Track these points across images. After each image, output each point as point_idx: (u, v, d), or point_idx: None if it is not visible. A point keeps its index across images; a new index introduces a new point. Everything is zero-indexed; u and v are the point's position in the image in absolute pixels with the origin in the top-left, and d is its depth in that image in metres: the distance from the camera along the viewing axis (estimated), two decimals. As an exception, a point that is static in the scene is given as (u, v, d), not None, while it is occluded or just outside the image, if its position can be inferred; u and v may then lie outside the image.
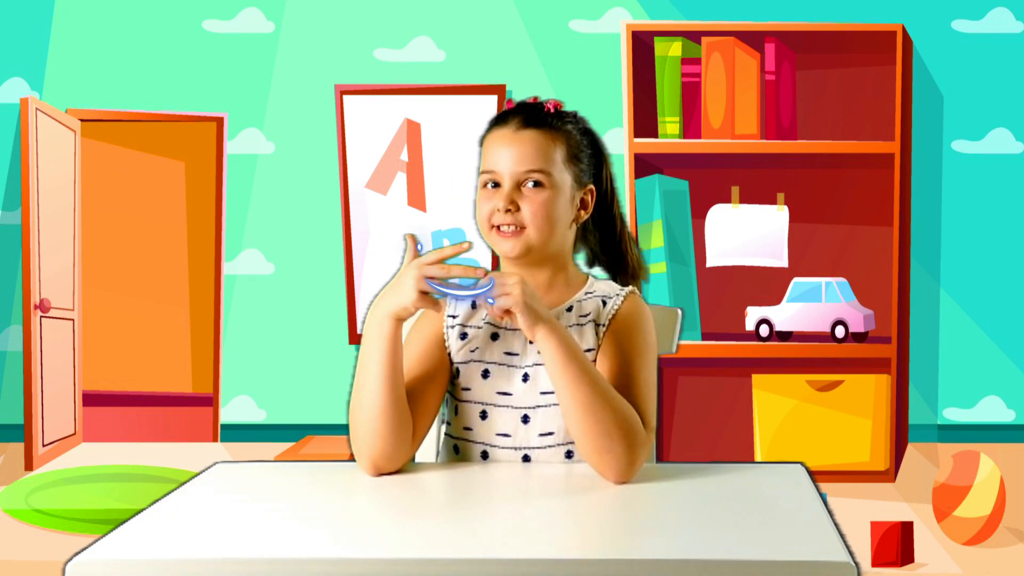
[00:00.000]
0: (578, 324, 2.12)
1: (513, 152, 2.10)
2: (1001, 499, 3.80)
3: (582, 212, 2.17)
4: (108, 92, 5.38)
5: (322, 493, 1.91)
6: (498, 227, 2.10)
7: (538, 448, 2.09)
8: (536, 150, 2.10)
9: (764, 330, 4.69)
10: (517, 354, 2.11)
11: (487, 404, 2.11)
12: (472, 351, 2.13)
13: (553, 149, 2.12)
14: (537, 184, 2.09)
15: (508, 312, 1.96)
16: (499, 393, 2.11)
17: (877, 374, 4.63)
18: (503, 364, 2.11)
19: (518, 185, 2.09)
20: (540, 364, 2.09)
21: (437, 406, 2.11)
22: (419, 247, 2.02)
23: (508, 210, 2.08)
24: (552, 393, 2.08)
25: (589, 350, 2.10)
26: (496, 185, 2.11)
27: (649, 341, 2.12)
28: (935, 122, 5.16)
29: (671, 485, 1.90)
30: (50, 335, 5.15)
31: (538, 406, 2.09)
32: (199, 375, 6.35)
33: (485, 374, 2.11)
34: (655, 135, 4.70)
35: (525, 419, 2.10)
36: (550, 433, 2.09)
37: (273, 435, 5.33)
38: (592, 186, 2.19)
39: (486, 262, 5.20)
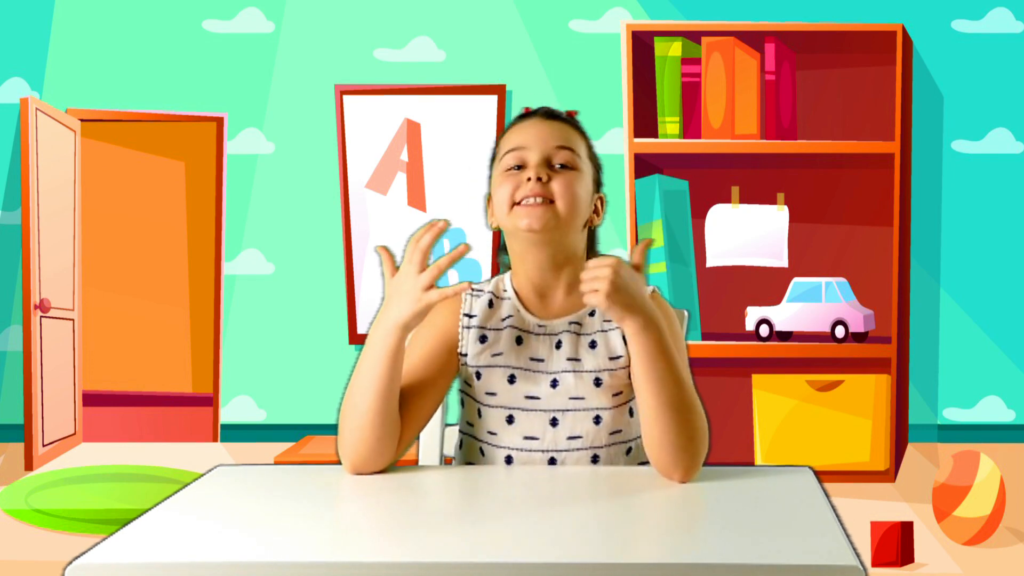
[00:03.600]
0: (602, 330, 2.09)
1: (543, 130, 2.10)
2: (1001, 499, 3.80)
3: (595, 217, 2.15)
4: (108, 92, 5.38)
5: (325, 496, 1.91)
6: (522, 202, 2.05)
7: (565, 451, 2.08)
8: (565, 133, 2.11)
9: (764, 330, 4.69)
10: (543, 359, 2.09)
11: (514, 408, 2.09)
12: (495, 355, 2.09)
13: (577, 140, 2.13)
14: (564, 166, 2.08)
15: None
16: (527, 397, 2.08)
17: (877, 374, 4.64)
18: (529, 369, 2.08)
19: (546, 162, 2.08)
20: (568, 371, 2.07)
21: (431, 412, 2.07)
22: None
23: (539, 179, 2.05)
24: (581, 399, 2.07)
25: (618, 357, 2.08)
26: (520, 168, 2.08)
27: (680, 337, 2.11)
28: (935, 122, 5.16)
29: (679, 489, 1.90)
30: (50, 335, 5.15)
31: (567, 410, 2.08)
32: (199, 375, 6.36)
33: (511, 379, 2.08)
34: (655, 135, 4.70)
35: (554, 422, 2.08)
36: (578, 437, 2.08)
37: (273, 435, 5.33)
38: (603, 195, 2.17)
39: (486, 263, 5.20)
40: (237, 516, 1.75)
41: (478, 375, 2.10)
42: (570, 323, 2.10)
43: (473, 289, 2.13)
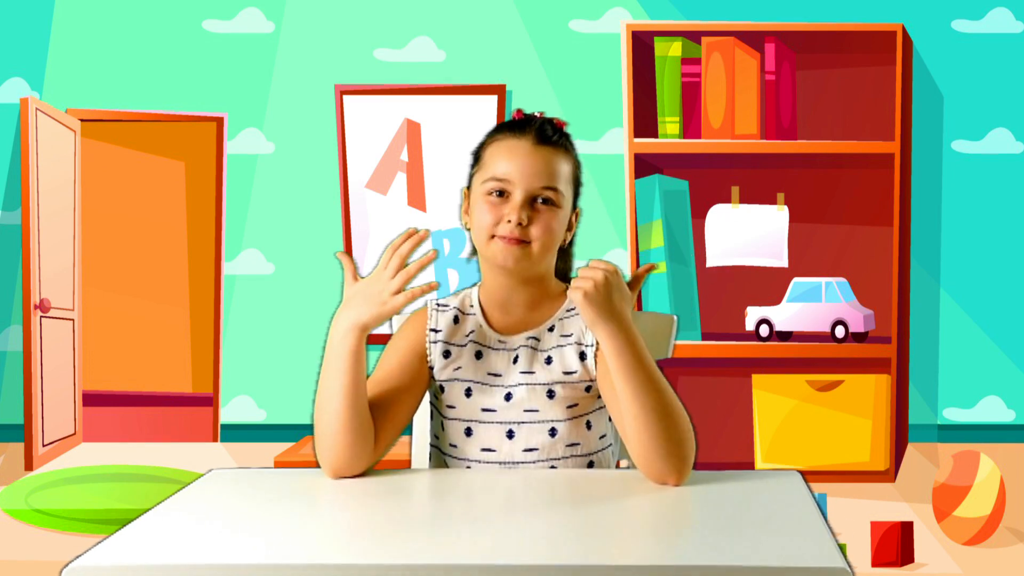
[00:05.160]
0: (558, 346, 2.11)
1: (531, 166, 2.08)
2: (1001, 499, 3.80)
3: (568, 233, 2.16)
4: (108, 92, 5.38)
5: (318, 500, 1.91)
6: (502, 236, 2.06)
7: (521, 463, 2.10)
8: (552, 168, 2.09)
9: (764, 330, 4.69)
10: (500, 374, 2.11)
11: (471, 421, 2.11)
12: (456, 369, 2.12)
13: (563, 169, 2.11)
14: (547, 201, 2.08)
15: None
16: (483, 410, 2.11)
17: (877, 374, 4.63)
18: (485, 383, 2.11)
19: (529, 200, 2.07)
20: (523, 384, 2.09)
21: (407, 416, 2.10)
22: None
23: (520, 223, 2.05)
24: (535, 411, 2.08)
25: (572, 372, 2.09)
26: (501, 194, 2.08)
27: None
28: (935, 122, 5.16)
29: (668, 492, 1.90)
30: (50, 335, 5.15)
31: (522, 422, 2.09)
32: (199, 375, 6.36)
33: (468, 392, 2.11)
34: (655, 135, 4.70)
35: (510, 434, 2.10)
36: (534, 449, 2.09)
37: (273, 435, 5.33)
38: (579, 208, 2.18)
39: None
40: (231, 519, 1.76)
41: (442, 388, 2.13)
42: (528, 338, 2.12)
43: (439, 304, 2.17)
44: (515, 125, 2.14)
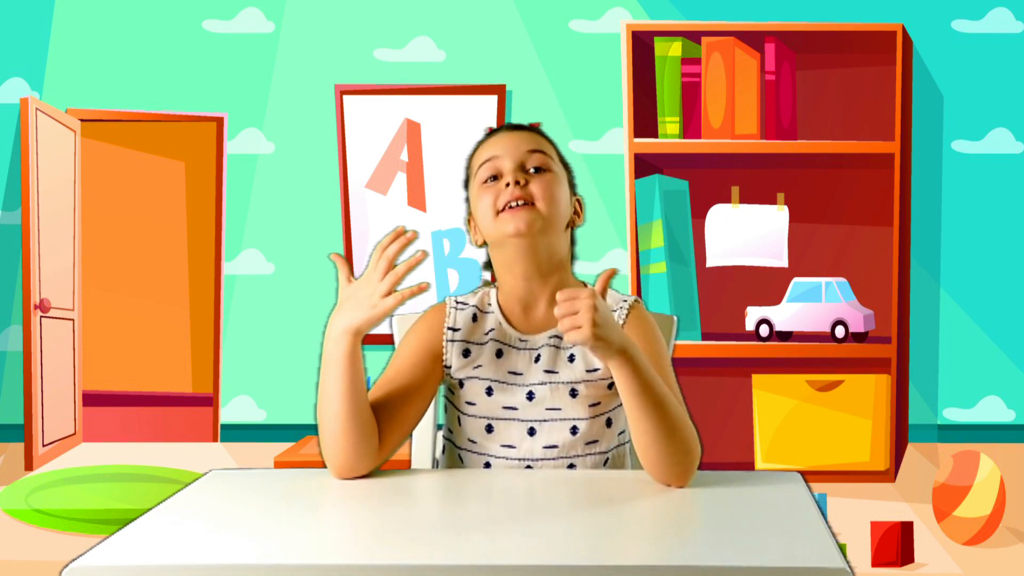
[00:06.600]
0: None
1: (512, 139, 2.12)
2: (1001, 499, 3.80)
3: (576, 218, 2.17)
4: (108, 92, 5.38)
5: (316, 500, 1.91)
6: (505, 207, 2.06)
7: (541, 460, 2.09)
8: (534, 139, 2.14)
9: (764, 330, 4.69)
10: (521, 373, 2.10)
11: (493, 418, 2.10)
12: (476, 368, 2.11)
13: (545, 144, 2.15)
14: (539, 169, 2.10)
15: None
16: (504, 408, 2.10)
17: (877, 374, 4.64)
18: (506, 382, 2.10)
19: (521, 167, 2.09)
20: (544, 383, 2.09)
21: (416, 416, 2.08)
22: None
23: (517, 182, 2.07)
24: (557, 409, 2.08)
25: (595, 370, 2.09)
26: (496, 178, 2.10)
27: (663, 344, 2.11)
28: (935, 122, 5.16)
29: (669, 493, 1.90)
30: (50, 335, 5.15)
31: (544, 420, 2.09)
32: (199, 375, 6.36)
33: (489, 391, 2.10)
34: (655, 135, 4.70)
35: (531, 431, 2.09)
36: (554, 447, 2.09)
37: (273, 435, 5.33)
38: (580, 197, 2.19)
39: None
40: (230, 520, 1.76)
41: (460, 384, 2.12)
42: (551, 337, 2.12)
43: (459, 302, 2.16)
44: (489, 133, 2.19)
